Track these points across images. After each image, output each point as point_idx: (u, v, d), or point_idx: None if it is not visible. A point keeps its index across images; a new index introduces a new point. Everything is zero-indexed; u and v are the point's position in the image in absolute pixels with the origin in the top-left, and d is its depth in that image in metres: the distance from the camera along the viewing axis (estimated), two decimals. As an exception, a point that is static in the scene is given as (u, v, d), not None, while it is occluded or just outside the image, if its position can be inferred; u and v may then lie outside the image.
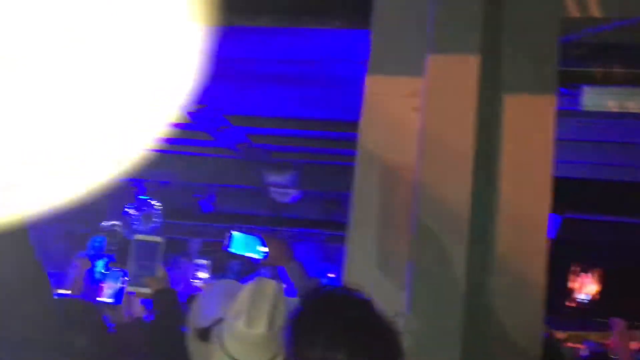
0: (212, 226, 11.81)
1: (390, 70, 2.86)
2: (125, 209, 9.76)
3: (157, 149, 6.05)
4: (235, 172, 8.71)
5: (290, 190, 8.46)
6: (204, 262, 5.76)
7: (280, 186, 8.40)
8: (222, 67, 4.56)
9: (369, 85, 2.88)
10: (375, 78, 2.87)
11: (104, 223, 10.44)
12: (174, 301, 2.44)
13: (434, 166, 2.53)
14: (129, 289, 2.45)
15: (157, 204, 9.79)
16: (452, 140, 2.52)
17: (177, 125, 6.54)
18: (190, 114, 5.94)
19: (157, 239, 2.45)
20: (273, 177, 8.22)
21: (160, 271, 2.44)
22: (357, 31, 3.12)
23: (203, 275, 7.31)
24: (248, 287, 2.18)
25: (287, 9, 3.35)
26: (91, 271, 5.72)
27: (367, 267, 2.69)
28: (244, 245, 2.80)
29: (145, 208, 9.86)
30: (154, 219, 9.85)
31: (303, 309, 1.78)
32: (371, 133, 2.83)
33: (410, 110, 2.79)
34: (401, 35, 2.85)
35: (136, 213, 9.84)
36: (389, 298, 2.56)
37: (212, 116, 6.18)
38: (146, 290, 2.39)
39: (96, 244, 9.91)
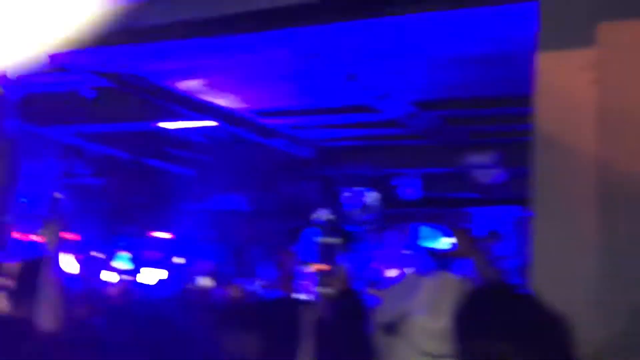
0: (421, 211, 11.95)
1: (561, 43, 2.69)
2: (341, 201, 10.23)
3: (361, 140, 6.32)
4: (436, 157, 8.71)
5: (493, 171, 8.22)
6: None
7: (482, 167, 8.20)
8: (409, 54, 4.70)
9: (541, 61, 2.75)
10: (546, 53, 2.73)
11: (316, 216, 11.05)
12: (356, 300, 2.53)
13: (616, 142, 2.35)
14: (318, 290, 2.58)
15: (373, 193, 10.12)
16: (635, 113, 2.32)
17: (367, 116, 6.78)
18: (379, 103, 6.10)
19: (337, 240, 2.57)
20: (474, 159, 8.05)
21: (342, 272, 2.54)
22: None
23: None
24: (430, 281, 2.21)
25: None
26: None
27: (552, 246, 2.57)
28: (432, 238, 2.84)
29: (360, 199, 10.24)
30: (369, 209, 10.21)
31: (471, 301, 1.79)
32: (546, 111, 2.69)
33: (586, 83, 2.61)
34: (570, 3, 2.67)
35: (352, 204, 10.25)
36: (575, 280, 2.46)
37: (402, 104, 6.27)
38: (330, 291, 2.50)
39: (309, 237, 10.54)
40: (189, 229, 11.71)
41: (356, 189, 10.19)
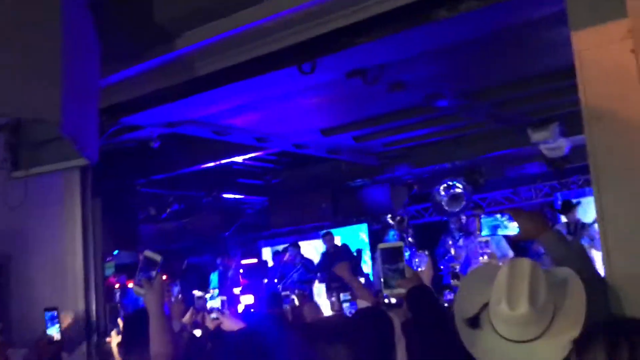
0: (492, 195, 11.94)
1: (593, 19, 2.71)
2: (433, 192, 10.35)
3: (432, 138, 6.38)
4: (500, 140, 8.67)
5: (560, 144, 8.10)
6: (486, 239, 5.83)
7: (548, 142, 8.10)
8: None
9: (576, 40, 2.77)
10: (580, 31, 2.76)
11: (389, 217, 11.15)
12: (429, 297, 2.56)
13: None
14: (385, 292, 2.63)
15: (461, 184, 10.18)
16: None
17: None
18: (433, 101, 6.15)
19: (399, 244, 2.62)
20: (537, 135, 7.94)
21: (409, 271, 2.58)
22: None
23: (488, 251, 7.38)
24: (503, 269, 2.22)
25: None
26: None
27: (617, 221, 2.58)
28: (493, 226, 2.83)
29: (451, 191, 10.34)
30: (462, 200, 10.26)
31: None
32: (592, 86, 2.71)
33: (626, 53, 2.62)
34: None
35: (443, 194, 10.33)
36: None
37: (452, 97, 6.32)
38: (400, 291, 2.55)
39: (391, 238, 10.65)
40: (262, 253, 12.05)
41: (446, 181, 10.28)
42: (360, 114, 6.76)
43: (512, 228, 2.72)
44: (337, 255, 10.80)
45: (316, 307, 5.76)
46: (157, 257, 2.67)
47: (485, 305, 2.27)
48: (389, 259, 2.57)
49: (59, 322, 2.89)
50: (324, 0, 3.60)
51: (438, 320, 2.42)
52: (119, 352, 3.30)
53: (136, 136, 6.95)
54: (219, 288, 11.55)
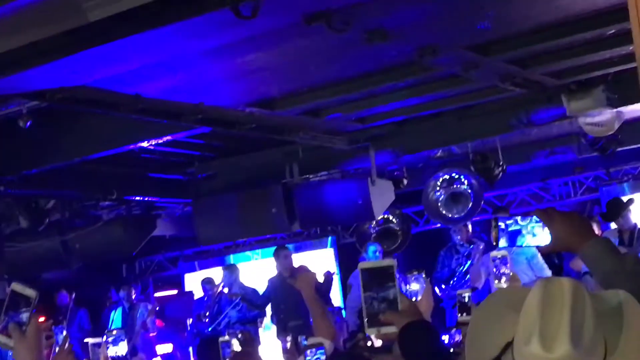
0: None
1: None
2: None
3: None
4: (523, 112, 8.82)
5: (607, 117, 8.27)
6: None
7: (591, 115, 8.27)
8: None
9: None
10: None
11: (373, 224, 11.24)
12: (430, 336, 2.57)
13: None
14: (368, 332, 2.62)
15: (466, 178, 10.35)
16: None
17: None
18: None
19: (389, 262, 2.60)
20: (575, 105, 8.09)
21: (404, 301, 2.57)
22: None
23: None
24: (533, 295, 2.24)
25: None
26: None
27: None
28: (512, 234, 2.83)
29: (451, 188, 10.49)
30: (467, 200, 10.42)
31: None
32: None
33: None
34: None
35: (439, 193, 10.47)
36: None
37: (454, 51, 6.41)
38: (390, 330, 2.54)
39: (371, 256, 10.73)
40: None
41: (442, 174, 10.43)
42: (323, 76, 6.77)
43: (542, 236, 2.72)
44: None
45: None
46: (31, 293, 2.65)
47: (509, 344, 2.30)
48: (374, 283, 2.55)
49: None
50: None
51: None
52: None
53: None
54: (124, 330, 11.48)
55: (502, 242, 2.96)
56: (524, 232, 2.93)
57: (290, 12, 5.06)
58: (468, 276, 9.58)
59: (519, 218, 2.98)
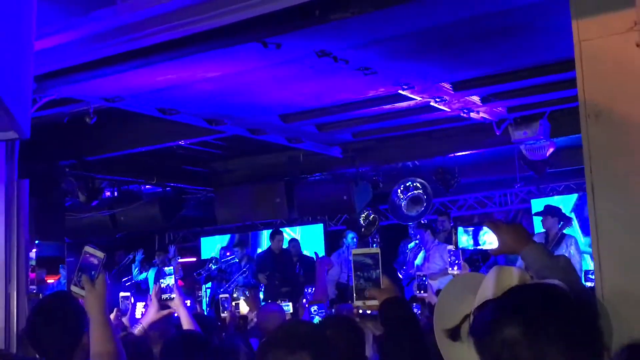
0: (465, 198, 12.15)
1: (598, 8, 2.78)
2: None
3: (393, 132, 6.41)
4: (474, 139, 8.82)
5: (542, 144, 8.26)
6: (451, 246, 5.94)
7: (530, 141, 8.25)
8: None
9: (577, 30, 2.83)
10: (581, 21, 2.82)
11: (363, 216, 11.20)
12: (403, 309, 2.58)
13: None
14: (356, 304, 2.64)
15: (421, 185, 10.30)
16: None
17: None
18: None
19: (376, 250, 2.63)
20: (520, 133, 8.07)
21: (385, 281, 2.59)
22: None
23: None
24: (490, 276, 2.25)
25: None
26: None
27: (613, 228, 2.65)
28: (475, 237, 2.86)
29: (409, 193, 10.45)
30: (422, 203, 10.39)
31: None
32: (592, 80, 2.77)
33: (632, 45, 2.69)
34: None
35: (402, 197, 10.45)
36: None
37: (432, 87, 6.38)
38: (373, 303, 2.56)
39: (349, 241, 10.72)
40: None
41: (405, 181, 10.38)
42: (326, 99, 6.75)
43: (491, 242, 2.75)
44: (284, 257, 10.85)
45: (277, 311, 5.75)
46: (100, 254, 2.65)
47: (467, 316, 2.30)
48: (363, 266, 2.58)
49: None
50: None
51: (413, 335, 2.45)
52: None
53: (68, 110, 6.83)
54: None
55: (465, 242, 2.98)
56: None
57: (305, 48, 5.04)
58: (417, 261, 9.48)
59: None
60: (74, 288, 2.63)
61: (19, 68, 3.35)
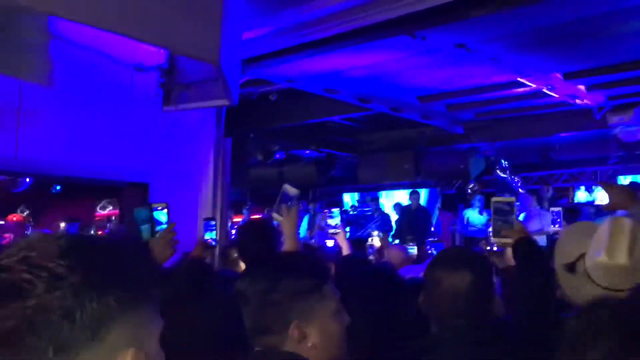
0: (560, 172, 11.48)
1: None
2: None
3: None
4: (573, 122, 8.32)
5: (635, 128, 7.69)
6: (557, 209, 5.62)
7: (625, 126, 7.71)
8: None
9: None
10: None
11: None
12: (532, 247, 2.51)
13: None
14: (494, 240, 2.59)
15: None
16: None
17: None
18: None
19: (512, 199, 2.56)
20: (616, 118, 7.55)
21: (517, 224, 2.53)
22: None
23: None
24: (606, 224, 2.16)
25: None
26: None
27: None
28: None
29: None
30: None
31: None
32: None
33: None
34: None
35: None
36: None
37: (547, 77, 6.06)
38: (507, 240, 2.51)
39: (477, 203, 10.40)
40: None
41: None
42: (457, 84, 6.58)
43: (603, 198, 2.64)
44: (418, 212, 10.74)
45: (403, 251, 5.70)
46: (295, 191, 2.74)
47: (582, 255, 2.22)
48: (501, 211, 2.54)
49: (215, 229, 3.05)
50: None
51: (540, 268, 2.39)
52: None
53: (256, 90, 7.07)
54: (308, 230, 11.74)
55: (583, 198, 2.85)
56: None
57: (445, 40, 4.93)
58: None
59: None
60: (274, 215, 2.75)
61: (234, 52, 3.53)
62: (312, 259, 1.68)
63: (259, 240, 2.87)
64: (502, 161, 10.15)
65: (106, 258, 0.78)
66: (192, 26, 2.96)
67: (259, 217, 9.41)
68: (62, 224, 9.57)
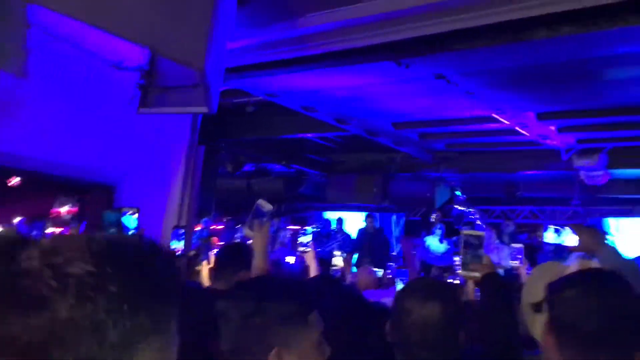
0: (522, 209, 11.69)
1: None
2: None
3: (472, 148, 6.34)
4: (540, 161, 8.50)
5: (599, 172, 7.89)
6: (518, 245, 5.67)
7: (590, 169, 7.90)
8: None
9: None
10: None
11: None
12: (500, 283, 2.52)
13: None
14: (461, 273, 2.60)
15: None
16: None
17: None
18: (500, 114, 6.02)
19: (481, 233, 2.59)
20: (582, 161, 7.74)
21: (486, 258, 2.55)
22: None
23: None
24: (574, 266, 2.19)
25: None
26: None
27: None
28: (558, 235, 2.77)
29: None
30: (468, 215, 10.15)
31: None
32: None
33: None
34: None
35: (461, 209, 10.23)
36: None
37: (520, 115, 6.16)
38: (475, 274, 2.52)
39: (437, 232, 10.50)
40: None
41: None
42: (432, 114, 6.64)
43: (573, 240, 2.67)
44: (375, 236, 10.78)
45: (371, 272, 5.70)
46: (269, 207, 2.72)
47: (548, 295, 2.23)
48: (471, 245, 2.56)
49: (184, 239, 2.98)
50: (443, 4, 3.54)
51: (506, 303, 2.39)
52: (210, 276, 3.40)
53: (233, 100, 7.01)
54: (269, 245, 11.61)
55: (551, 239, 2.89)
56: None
57: (428, 70, 4.97)
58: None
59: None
60: (246, 230, 2.71)
61: (219, 60, 3.47)
62: (300, 285, 1.65)
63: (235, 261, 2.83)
64: (458, 193, 10.29)
65: (142, 267, 0.68)
66: (180, 29, 2.91)
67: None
68: (16, 220, 9.26)
